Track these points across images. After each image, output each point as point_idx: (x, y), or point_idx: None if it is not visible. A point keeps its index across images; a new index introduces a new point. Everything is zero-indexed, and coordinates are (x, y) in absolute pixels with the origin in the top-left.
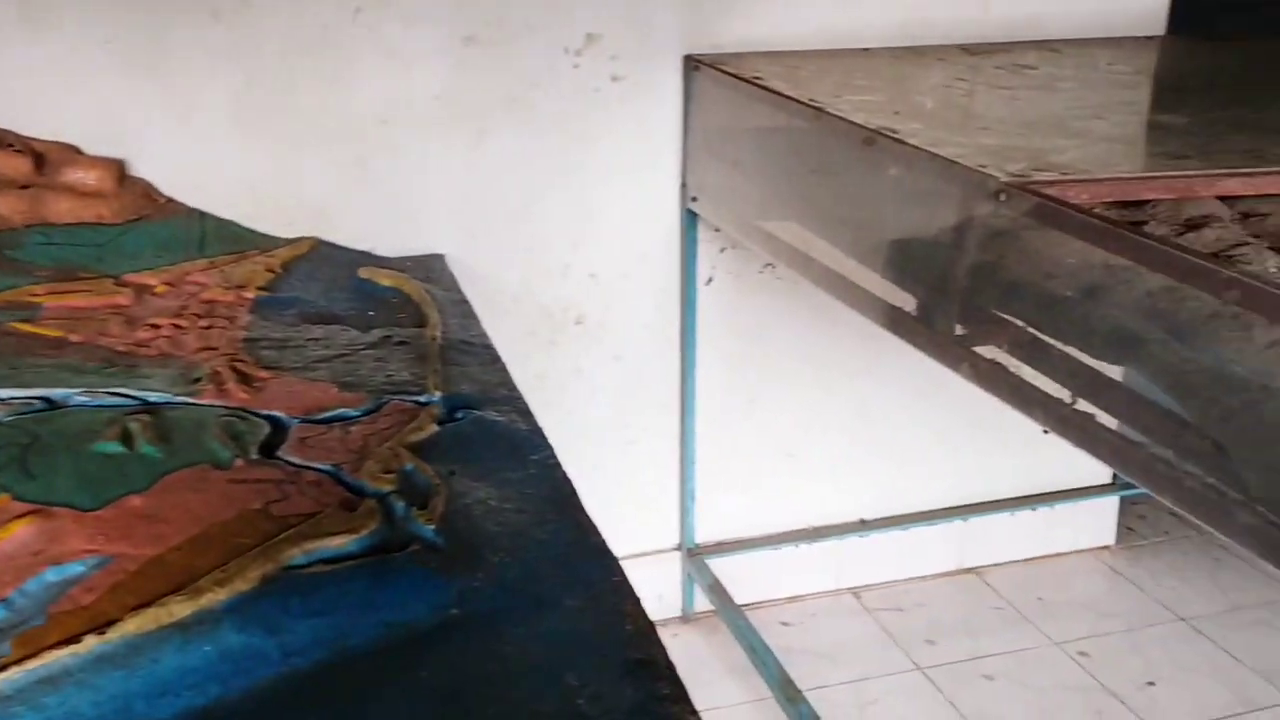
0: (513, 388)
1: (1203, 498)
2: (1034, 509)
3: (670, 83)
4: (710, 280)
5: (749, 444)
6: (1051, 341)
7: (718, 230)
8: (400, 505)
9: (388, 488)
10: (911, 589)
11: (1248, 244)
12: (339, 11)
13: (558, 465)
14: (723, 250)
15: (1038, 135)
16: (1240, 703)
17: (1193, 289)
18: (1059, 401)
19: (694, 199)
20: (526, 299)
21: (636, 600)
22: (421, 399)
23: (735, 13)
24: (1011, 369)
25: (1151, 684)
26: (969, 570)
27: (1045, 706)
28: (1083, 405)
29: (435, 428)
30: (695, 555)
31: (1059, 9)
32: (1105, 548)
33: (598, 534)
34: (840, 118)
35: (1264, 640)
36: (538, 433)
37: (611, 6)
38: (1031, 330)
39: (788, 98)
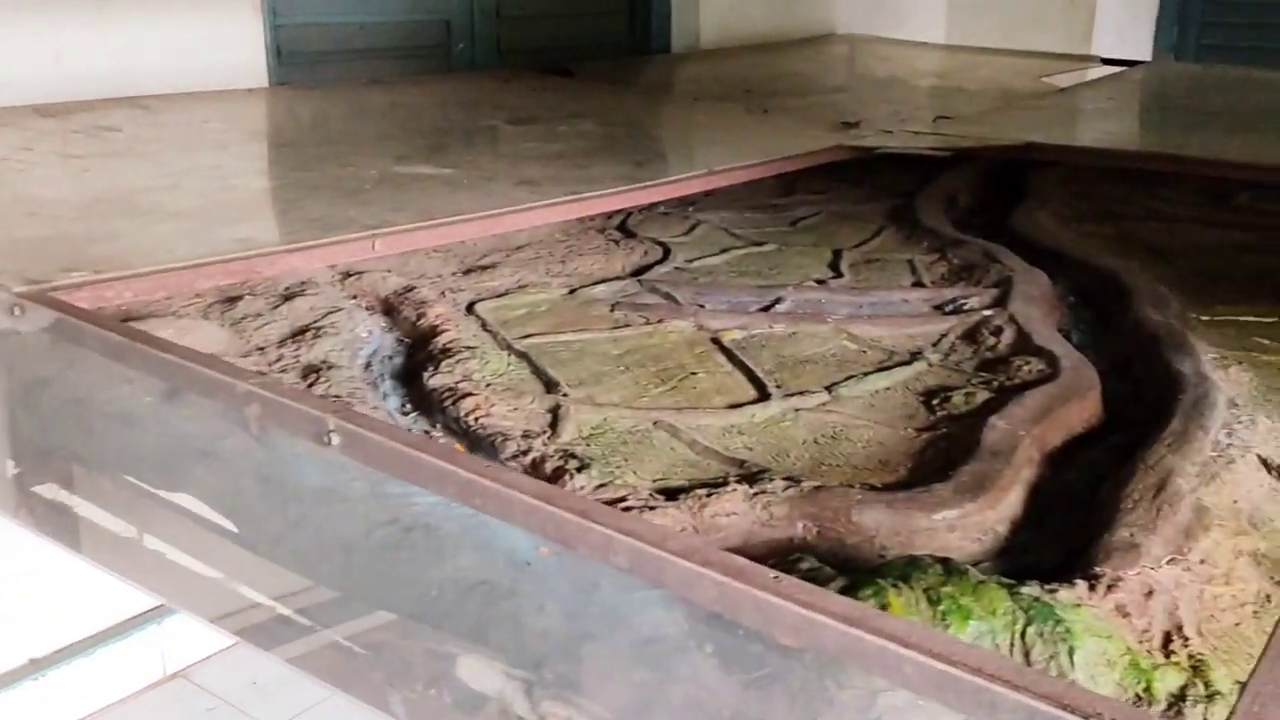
0: None
1: (270, 629)
2: None
3: None
4: None
5: None
6: (107, 473)
7: None
8: None
9: None
10: (111, 718)
11: (343, 309)
12: None
13: None
14: None
15: (99, 217)
16: None
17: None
18: (128, 541)
19: None
20: None
21: None
22: None
23: None
24: (75, 509)
25: None
26: (176, 675)
27: None
28: (151, 542)
29: None
30: None
31: (158, 62)
32: None
33: None
34: None
35: None
36: None
37: None
38: (84, 464)
39: None
